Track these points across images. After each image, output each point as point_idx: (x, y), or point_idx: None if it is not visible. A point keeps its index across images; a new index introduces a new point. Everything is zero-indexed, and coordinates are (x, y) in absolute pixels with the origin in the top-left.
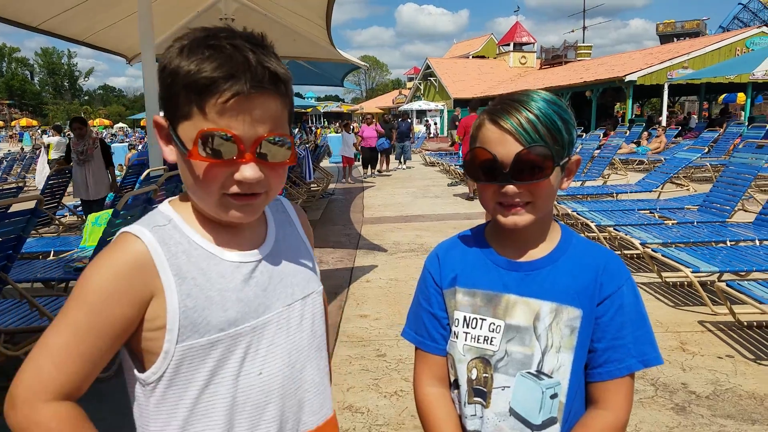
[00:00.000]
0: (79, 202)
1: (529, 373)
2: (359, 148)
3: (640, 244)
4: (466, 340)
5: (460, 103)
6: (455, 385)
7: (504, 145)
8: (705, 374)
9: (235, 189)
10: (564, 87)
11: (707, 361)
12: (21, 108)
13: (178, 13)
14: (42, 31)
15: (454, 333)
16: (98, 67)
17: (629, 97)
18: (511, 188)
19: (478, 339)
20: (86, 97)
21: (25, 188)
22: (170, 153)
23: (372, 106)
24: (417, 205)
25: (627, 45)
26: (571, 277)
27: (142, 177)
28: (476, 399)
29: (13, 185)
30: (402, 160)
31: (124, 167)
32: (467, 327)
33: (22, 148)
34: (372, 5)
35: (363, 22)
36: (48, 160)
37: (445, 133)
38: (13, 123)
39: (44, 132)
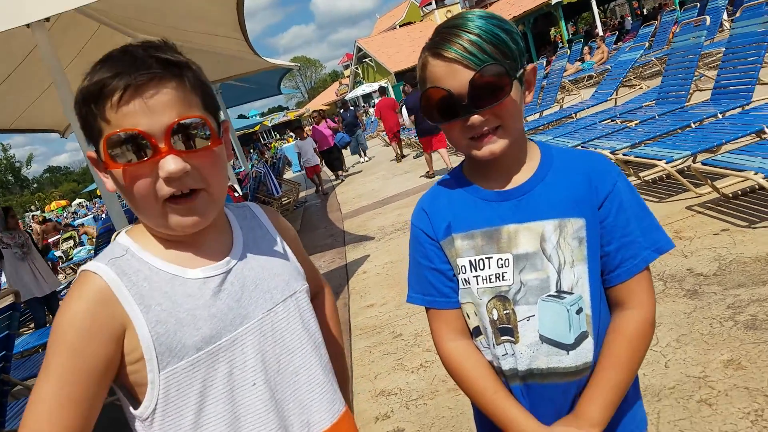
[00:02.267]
0: (31, 302)
1: (549, 296)
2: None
3: (610, 152)
4: (478, 284)
5: (402, 75)
6: (477, 332)
7: (455, 76)
8: (706, 254)
9: (168, 190)
10: None
11: (705, 242)
12: None
13: None
14: None
15: (464, 281)
16: (36, 151)
17: (561, 19)
18: (475, 118)
19: (490, 278)
20: (35, 185)
21: None
22: (109, 183)
23: (318, 104)
24: (390, 186)
25: None
26: (565, 189)
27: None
28: (504, 338)
29: None
30: (360, 152)
31: (93, 240)
32: (475, 270)
33: None
34: (284, 6)
35: (280, 25)
36: None
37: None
38: None
39: None
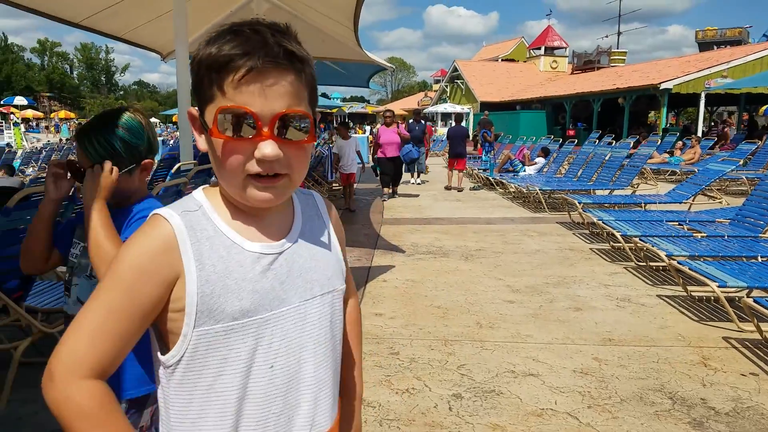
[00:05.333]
0: None
1: None
2: (374, 158)
3: (666, 255)
4: None
5: (487, 106)
6: None
7: None
8: (726, 391)
9: (256, 168)
10: (596, 93)
11: (729, 378)
12: (60, 101)
13: (211, 12)
14: (83, 27)
15: None
16: (133, 63)
17: (664, 106)
18: None
19: None
20: (121, 92)
21: None
22: (202, 142)
23: (397, 107)
24: (437, 208)
25: (664, 52)
26: None
27: (173, 170)
28: None
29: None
30: (414, 172)
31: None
32: None
33: (61, 139)
34: (400, 6)
35: (390, 23)
36: None
37: (470, 137)
38: (52, 115)
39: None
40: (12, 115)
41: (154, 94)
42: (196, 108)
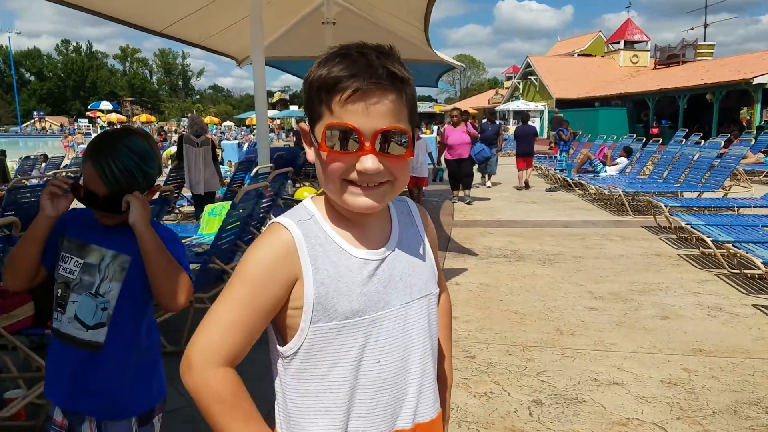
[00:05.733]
0: (190, 195)
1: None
2: (441, 161)
3: (763, 263)
4: None
5: (562, 103)
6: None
7: None
8: None
9: (355, 176)
10: (681, 89)
11: None
12: (141, 104)
13: (284, 17)
14: (166, 36)
15: None
16: (208, 67)
17: (758, 102)
18: None
19: None
20: (197, 96)
21: None
22: (311, 153)
23: (466, 105)
24: (510, 210)
25: (757, 44)
26: None
27: (252, 174)
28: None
29: None
30: (485, 174)
31: (233, 163)
32: None
33: None
34: (468, 2)
35: (459, 20)
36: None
37: (545, 135)
38: (134, 118)
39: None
40: (99, 119)
41: (228, 98)
42: (307, 123)
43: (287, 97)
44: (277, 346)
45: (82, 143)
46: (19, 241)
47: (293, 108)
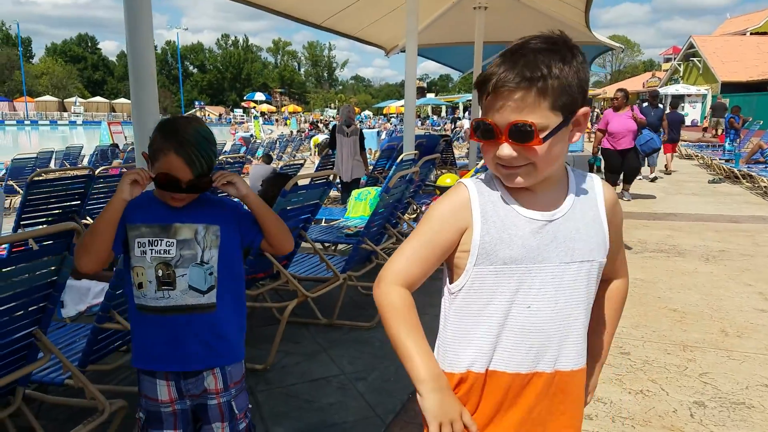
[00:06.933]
0: (338, 180)
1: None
2: (596, 150)
3: None
4: None
5: (729, 87)
6: None
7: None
8: None
9: (499, 160)
10: None
11: None
12: (290, 96)
13: (436, 3)
14: (324, 28)
15: None
16: (351, 58)
17: None
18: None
19: None
20: (340, 87)
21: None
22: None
23: (615, 90)
24: (669, 202)
25: None
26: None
27: (398, 161)
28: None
29: (298, 162)
30: (653, 165)
31: (372, 151)
32: None
33: (291, 131)
34: None
35: None
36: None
37: (705, 122)
38: (282, 109)
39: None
40: (253, 110)
41: (368, 88)
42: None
43: (425, 84)
44: (447, 284)
45: (249, 132)
46: (94, 225)
47: (430, 96)
